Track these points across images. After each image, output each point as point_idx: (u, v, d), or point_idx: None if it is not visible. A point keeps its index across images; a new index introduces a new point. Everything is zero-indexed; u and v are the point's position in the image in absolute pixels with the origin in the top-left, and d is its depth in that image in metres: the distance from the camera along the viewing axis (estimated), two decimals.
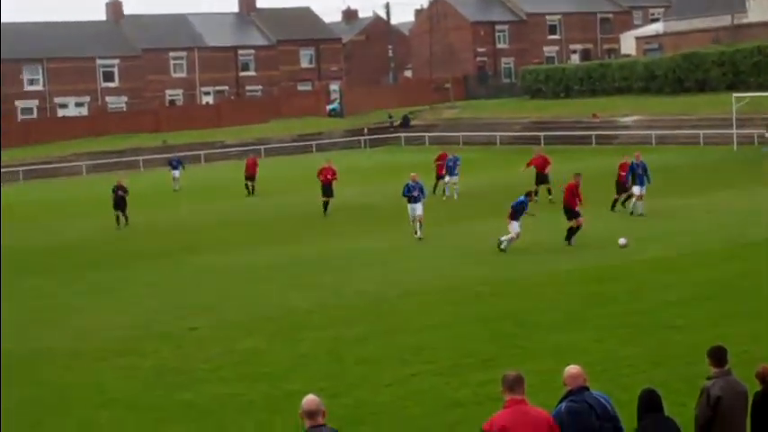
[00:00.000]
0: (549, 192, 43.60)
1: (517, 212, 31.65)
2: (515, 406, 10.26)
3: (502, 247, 31.45)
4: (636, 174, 37.74)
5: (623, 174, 38.97)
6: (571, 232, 32.15)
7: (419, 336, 21.74)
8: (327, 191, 44.60)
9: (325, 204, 44.25)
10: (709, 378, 11.61)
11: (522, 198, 32.13)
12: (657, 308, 22.83)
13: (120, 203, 44.75)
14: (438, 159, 49.65)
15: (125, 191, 44.84)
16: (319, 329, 22.98)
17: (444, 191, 47.80)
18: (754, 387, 11.55)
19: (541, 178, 44.60)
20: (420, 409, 16.87)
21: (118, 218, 44.65)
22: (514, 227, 31.52)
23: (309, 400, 9.93)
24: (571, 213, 32.47)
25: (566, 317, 22.55)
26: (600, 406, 10.74)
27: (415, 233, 35.58)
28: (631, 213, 37.42)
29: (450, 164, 47.52)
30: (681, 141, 68.76)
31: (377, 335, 22.15)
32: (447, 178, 47.67)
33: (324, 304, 25.92)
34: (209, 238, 39.98)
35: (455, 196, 47.07)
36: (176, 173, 62.49)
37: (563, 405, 10.72)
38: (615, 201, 38.97)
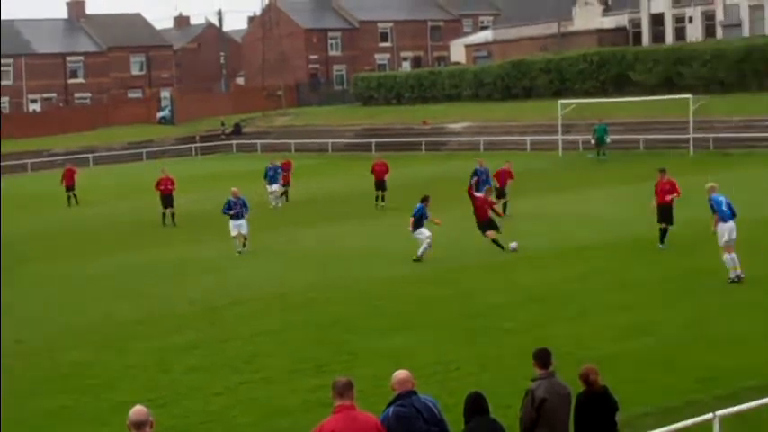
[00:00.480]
0: (383, 198, 43.93)
1: (418, 220, 31.12)
2: (344, 411, 10.31)
3: (419, 253, 30.81)
4: (480, 179, 38.44)
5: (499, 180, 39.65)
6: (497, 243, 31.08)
7: (251, 343, 21.65)
8: (167, 201, 43.64)
9: (164, 215, 43.35)
10: (533, 380, 11.80)
11: (419, 206, 31.34)
12: (487, 311, 23.16)
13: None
14: (284, 168, 49.35)
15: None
16: (148, 339, 22.66)
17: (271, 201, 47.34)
18: (578, 388, 11.78)
19: (379, 185, 44.77)
20: (249, 417, 16.79)
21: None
22: (423, 233, 31.10)
23: (136, 410, 9.81)
24: (486, 225, 31.40)
25: (397, 321, 22.70)
26: (427, 410, 10.84)
27: (238, 251, 34.12)
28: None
29: (271, 173, 47.35)
30: (509, 147, 69.92)
31: (207, 343, 21.95)
32: (269, 188, 47.38)
33: (153, 314, 25.57)
34: (33, 249, 39.04)
35: (279, 204, 47.10)
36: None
37: (390, 409, 10.79)
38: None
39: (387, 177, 44.84)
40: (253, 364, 19.93)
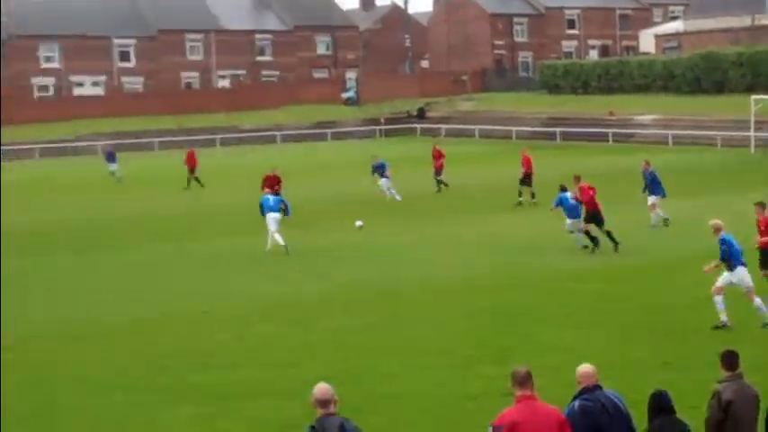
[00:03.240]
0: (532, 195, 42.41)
1: (571, 209, 30.97)
2: (525, 401, 10.27)
3: (584, 243, 30.64)
4: (648, 181, 36.67)
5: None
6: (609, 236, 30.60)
7: (433, 328, 21.74)
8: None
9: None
10: (720, 381, 11.61)
11: (562, 194, 31.16)
12: (668, 309, 22.75)
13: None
14: (435, 155, 48.35)
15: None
16: (331, 318, 22.99)
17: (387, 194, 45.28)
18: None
19: (527, 179, 42.51)
20: (432, 401, 16.85)
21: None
22: (573, 223, 31.01)
23: (322, 388, 9.94)
24: (597, 218, 30.72)
25: (579, 314, 22.50)
26: (612, 405, 10.76)
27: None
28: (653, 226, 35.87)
29: (380, 168, 45.61)
30: (699, 142, 68.54)
31: (390, 326, 22.15)
32: (381, 182, 45.34)
33: (339, 294, 25.90)
34: (224, 224, 39.94)
35: (397, 197, 44.97)
36: (113, 166, 59.92)
37: (576, 403, 10.73)
38: None
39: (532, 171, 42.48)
40: (435, 348, 20.01)
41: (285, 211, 32.64)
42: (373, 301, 24.85)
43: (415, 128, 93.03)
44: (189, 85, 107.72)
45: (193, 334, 22.10)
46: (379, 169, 45.66)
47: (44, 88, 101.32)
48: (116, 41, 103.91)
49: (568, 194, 31.21)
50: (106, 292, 27.56)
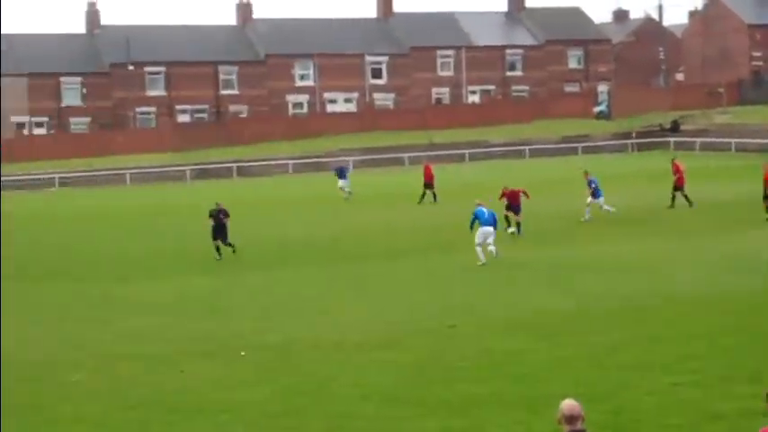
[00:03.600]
0: None
1: None
2: None
3: None
4: None
5: None
6: None
7: (683, 345, 21.14)
8: (516, 209, 40.28)
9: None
10: None
11: None
12: None
13: (220, 231, 37.33)
14: (675, 171, 47.22)
15: (226, 215, 37.55)
16: (579, 333, 22.63)
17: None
18: None
19: None
20: (682, 418, 16.36)
21: (218, 248, 37.28)
22: None
23: (569, 404, 9.80)
24: None
25: None
26: None
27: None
28: None
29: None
30: None
31: (638, 341, 21.66)
32: (590, 199, 43.82)
33: (584, 308, 25.50)
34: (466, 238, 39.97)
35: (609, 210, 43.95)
36: (343, 182, 58.87)
37: None
38: None
39: None
40: (685, 366, 19.39)
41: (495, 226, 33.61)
42: (618, 316, 24.36)
43: (668, 141, 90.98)
44: (439, 101, 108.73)
45: (440, 348, 22.07)
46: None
47: (298, 105, 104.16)
48: (368, 59, 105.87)
49: None
50: (353, 300, 28.02)
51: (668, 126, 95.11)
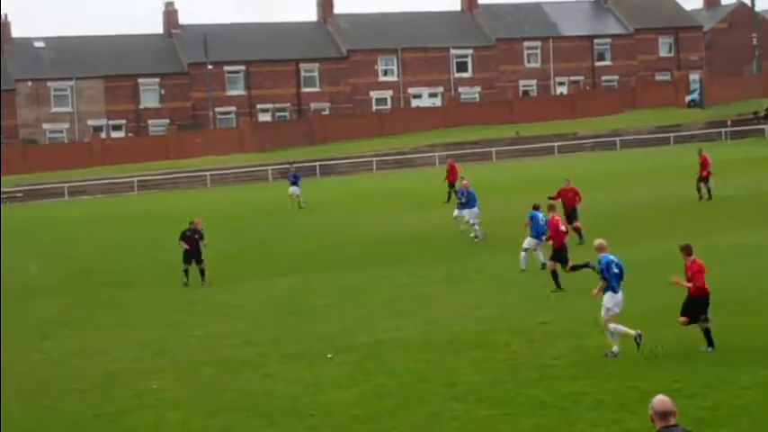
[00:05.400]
0: None
1: None
2: None
3: None
4: None
5: None
6: None
7: None
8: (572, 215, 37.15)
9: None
10: None
11: None
12: None
13: (193, 253, 32.88)
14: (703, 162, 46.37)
15: (201, 237, 33.17)
16: (672, 328, 21.77)
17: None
18: None
19: None
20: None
21: (187, 272, 32.96)
22: None
23: (661, 400, 9.66)
24: None
25: None
26: None
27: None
28: None
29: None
30: None
31: (732, 336, 21.00)
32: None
33: (676, 302, 24.62)
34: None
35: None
36: (295, 189, 56.32)
37: None
38: None
39: None
40: None
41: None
42: (716, 308, 23.49)
43: (763, 129, 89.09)
44: (526, 93, 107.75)
45: (532, 346, 21.49)
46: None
47: (382, 101, 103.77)
48: (453, 52, 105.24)
49: None
50: (441, 299, 27.49)
51: (763, 113, 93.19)
